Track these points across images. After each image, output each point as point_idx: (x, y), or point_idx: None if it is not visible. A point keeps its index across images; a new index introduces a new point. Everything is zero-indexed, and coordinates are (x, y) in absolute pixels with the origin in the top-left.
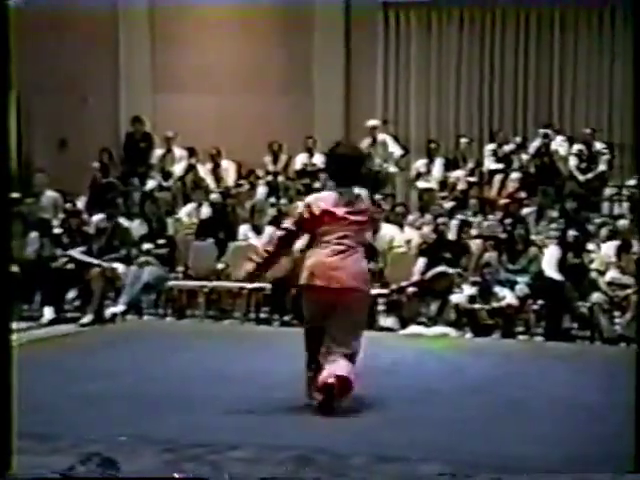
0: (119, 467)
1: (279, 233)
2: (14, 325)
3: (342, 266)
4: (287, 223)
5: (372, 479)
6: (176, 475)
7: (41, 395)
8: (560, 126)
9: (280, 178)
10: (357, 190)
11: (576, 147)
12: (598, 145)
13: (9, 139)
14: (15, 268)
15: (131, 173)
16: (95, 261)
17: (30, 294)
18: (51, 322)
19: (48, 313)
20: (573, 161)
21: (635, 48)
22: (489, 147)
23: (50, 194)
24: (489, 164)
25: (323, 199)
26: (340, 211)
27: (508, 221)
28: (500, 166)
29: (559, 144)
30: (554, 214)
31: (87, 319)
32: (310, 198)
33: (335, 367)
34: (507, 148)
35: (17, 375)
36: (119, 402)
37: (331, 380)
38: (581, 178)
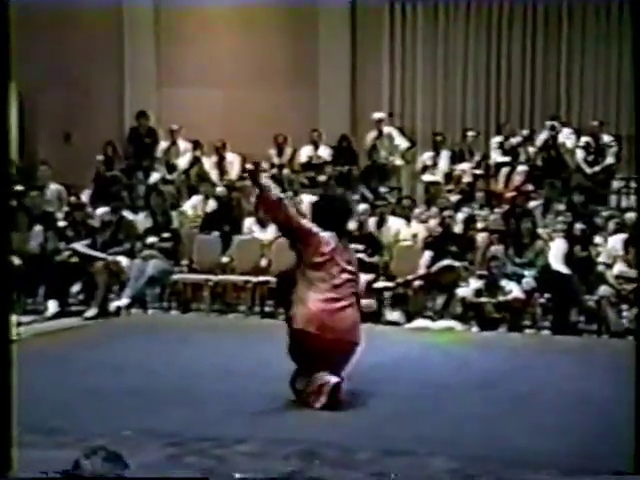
0: (126, 462)
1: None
2: (18, 318)
3: (338, 316)
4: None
5: (378, 473)
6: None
7: (45, 389)
8: (567, 118)
9: (285, 171)
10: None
11: (583, 139)
12: (605, 137)
13: (9, 132)
14: (19, 261)
15: (135, 167)
16: (99, 254)
17: (34, 287)
18: (55, 315)
19: (52, 306)
20: (580, 154)
21: (634, 43)
22: (496, 140)
23: (54, 187)
24: (496, 157)
25: (329, 241)
26: (340, 258)
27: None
28: (507, 159)
29: (566, 137)
30: (561, 207)
31: (91, 313)
32: (322, 233)
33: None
34: (514, 141)
35: (21, 369)
36: (123, 396)
37: (331, 382)
38: (588, 171)
